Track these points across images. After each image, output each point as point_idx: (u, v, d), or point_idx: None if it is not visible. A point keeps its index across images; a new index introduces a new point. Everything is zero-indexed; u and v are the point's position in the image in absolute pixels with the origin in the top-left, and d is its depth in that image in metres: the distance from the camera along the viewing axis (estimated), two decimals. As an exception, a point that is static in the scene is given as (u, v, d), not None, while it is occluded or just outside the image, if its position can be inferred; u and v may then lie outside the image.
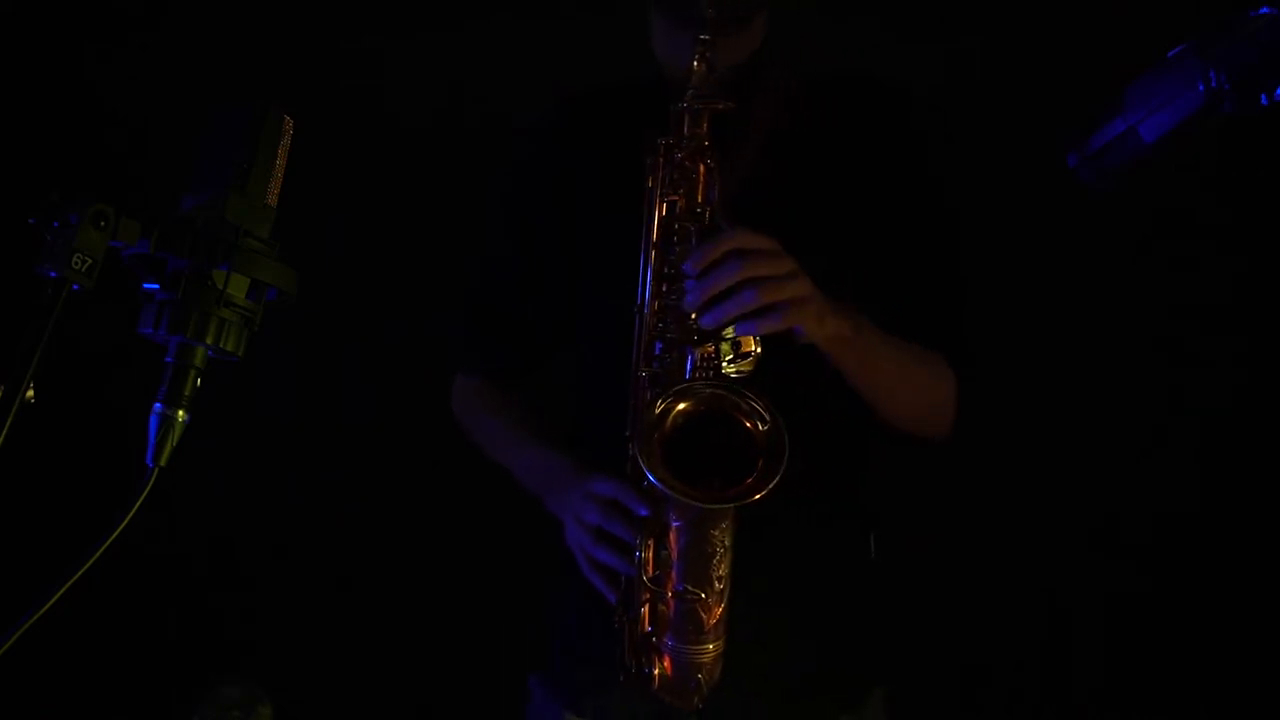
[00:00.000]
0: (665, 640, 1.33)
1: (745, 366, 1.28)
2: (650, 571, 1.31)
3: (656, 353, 1.36)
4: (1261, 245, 2.35)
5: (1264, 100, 0.92)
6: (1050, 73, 2.31)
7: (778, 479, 1.20)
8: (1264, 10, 0.92)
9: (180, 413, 0.95)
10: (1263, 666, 2.31)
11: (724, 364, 1.28)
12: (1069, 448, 2.41)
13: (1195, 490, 2.37)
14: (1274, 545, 2.33)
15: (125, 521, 0.92)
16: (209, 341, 0.96)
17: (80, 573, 0.90)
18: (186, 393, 0.96)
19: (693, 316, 1.30)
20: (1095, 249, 2.39)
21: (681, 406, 1.27)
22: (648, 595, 1.33)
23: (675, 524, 1.28)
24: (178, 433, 0.95)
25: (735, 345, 1.27)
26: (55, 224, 0.90)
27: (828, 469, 1.52)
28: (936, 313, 1.51)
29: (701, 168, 1.38)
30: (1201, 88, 0.93)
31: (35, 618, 0.89)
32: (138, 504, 0.93)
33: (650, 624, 1.34)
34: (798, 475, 1.25)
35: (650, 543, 1.31)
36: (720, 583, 1.29)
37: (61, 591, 0.90)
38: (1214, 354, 2.37)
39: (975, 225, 1.63)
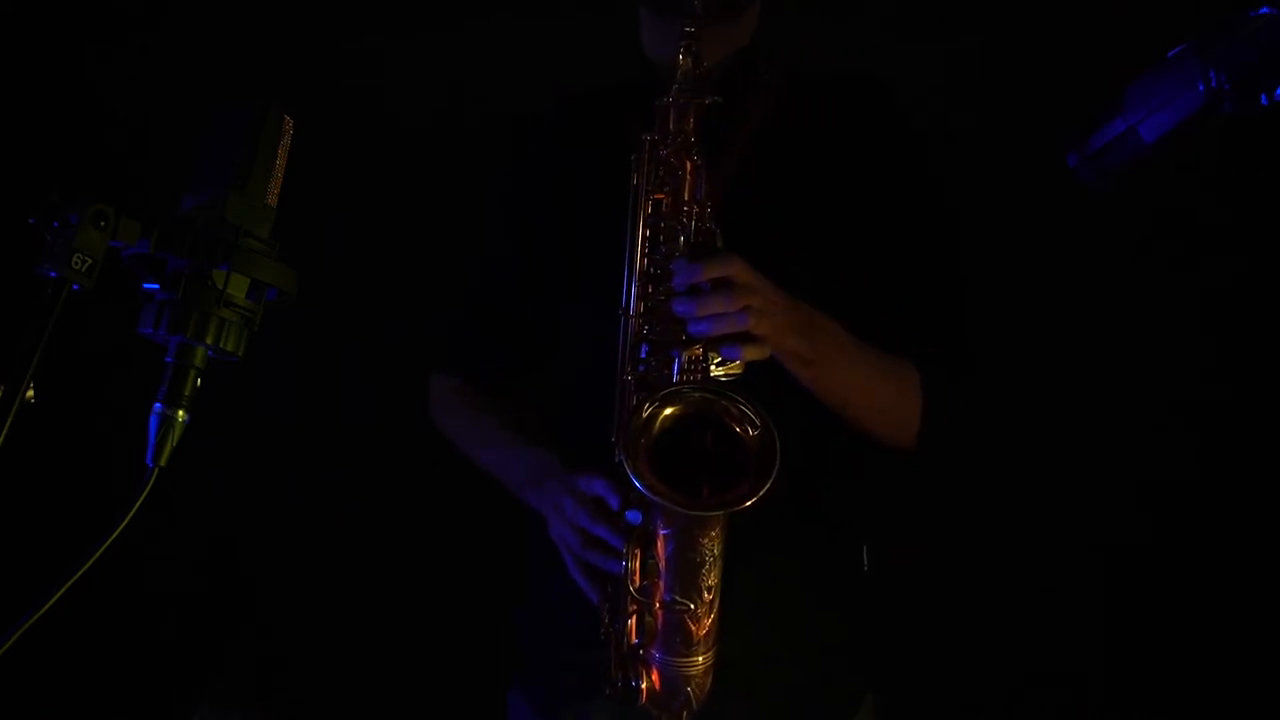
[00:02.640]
0: (653, 652, 1.29)
1: (735, 369, 1.25)
2: (637, 581, 1.27)
3: (643, 355, 1.33)
4: (1261, 245, 2.34)
5: (1264, 100, 0.92)
6: (1050, 73, 2.31)
7: (769, 485, 1.17)
8: (1264, 10, 0.92)
9: (180, 413, 0.95)
10: (1262, 672, 2.30)
11: (712, 366, 1.26)
12: (1067, 450, 2.40)
13: (1195, 492, 2.37)
14: (1274, 545, 2.33)
15: (125, 521, 0.92)
16: (209, 341, 0.96)
17: (80, 573, 0.90)
18: (186, 393, 0.96)
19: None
20: (1095, 249, 2.39)
21: (669, 411, 1.24)
22: (635, 606, 1.29)
23: (663, 532, 1.25)
24: (178, 433, 0.95)
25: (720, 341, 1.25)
26: (55, 224, 0.90)
27: (821, 479, 1.51)
28: (935, 315, 1.50)
29: (688, 164, 1.35)
30: (1201, 88, 0.93)
31: (35, 618, 0.89)
32: (138, 504, 0.93)
33: (637, 635, 1.30)
34: (790, 485, 1.24)
35: (637, 551, 1.27)
36: (709, 593, 1.25)
37: (61, 591, 0.90)
38: (1214, 354, 2.37)
39: (975, 225, 1.63)
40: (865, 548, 1.58)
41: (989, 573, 2.41)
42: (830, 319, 1.38)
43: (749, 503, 1.17)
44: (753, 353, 1.25)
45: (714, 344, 1.26)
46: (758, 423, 1.21)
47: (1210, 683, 2.34)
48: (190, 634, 2.55)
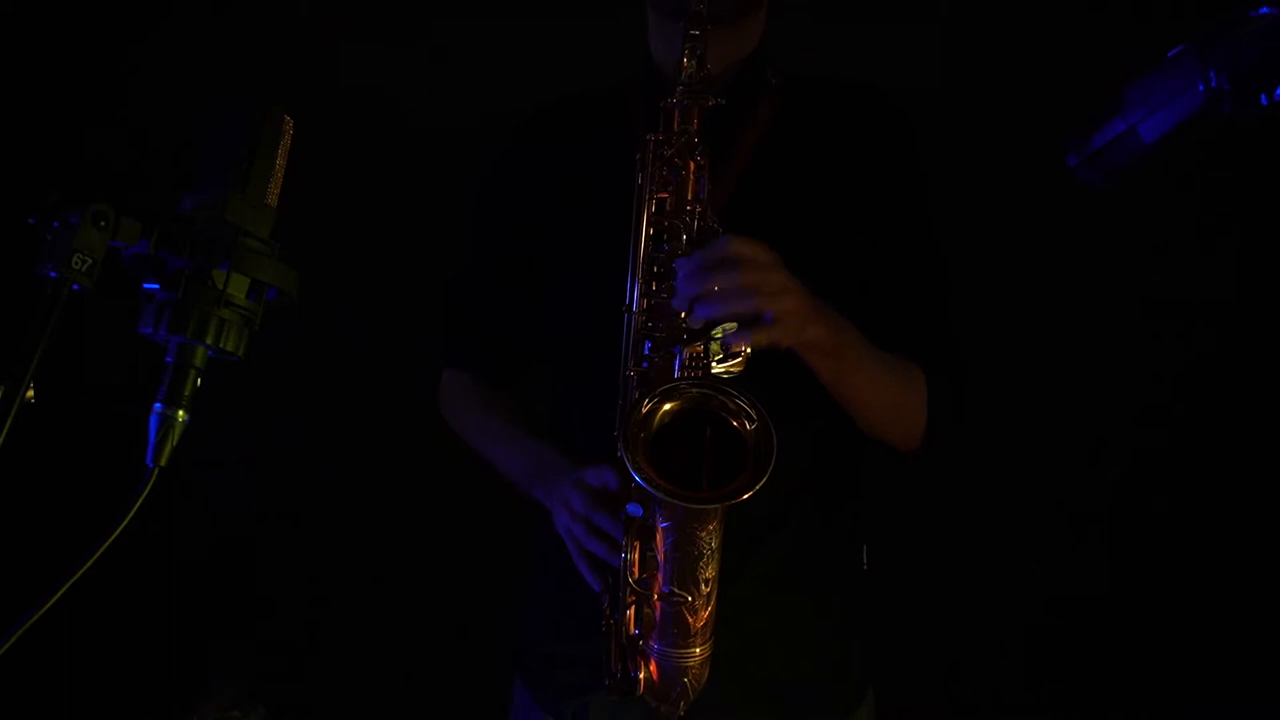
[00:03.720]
0: (651, 643, 1.30)
1: (735, 367, 1.26)
2: (636, 573, 1.28)
3: (645, 352, 1.34)
4: (1261, 245, 2.35)
5: (1264, 100, 0.92)
6: (1050, 73, 2.31)
7: (765, 479, 1.17)
8: (1264, 10, 0.92)
9: (180, 413, 0.95)
10: (1261, 671, 2.31)
11: (713, 364, 1.26)
12: (1069, 450, 2.41)
13: (1194, 493, 2.37)
14: (1274, 547, 2.33)
15: (125, 521, 0.92)
16: (209, 341, 0.96)
17: (80, 573, 0.90)
18: (186, 393, 0.96)
19: (682, 315, 1.27)
20: (1095, 249, 2.39)
21: (668, 406, 1.25)
22: (633, 597, 1.30)
23: (662, 525, 1.26)
24: (178, 433, 0.95)
25: (725, 345, 1.25)
26: (55, 224, 0.89)
27: (820, 476, 1.51)
28: (923, 318, 1.50)
29: (691, 165, 1.35)
30: (1201, 88, 0.93)
31: (35, 617, 0.89)
32: (137, 504, 0.93)
33: (636, 627, 1.31)
34: (791, 482, 1.23)
35: (637, 544, 1.28)
36: (707, 585, 1.26)
37: (61, 591, 0.90)
38: (1213, 354, 2.37)
39: (975, 226, 1.63)
40: (865, 546, 1.58)
41: (989, 572, 2.41)
42: (841, 314, 1.38)
43: (745, 495, 1.18)
44: (761, 337, 1.24)
45: (716, 325, 1.24)
46: (755, 417, 1.22)
47: (1210, 681, 2.34)
48: (190, 635, 2.55)
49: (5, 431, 0.87)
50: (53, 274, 0.89)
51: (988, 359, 1.57)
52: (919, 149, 1.56)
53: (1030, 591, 2.43)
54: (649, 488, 1.19)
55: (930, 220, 1.55)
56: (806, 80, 1.58)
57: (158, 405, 0.95)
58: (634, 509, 1.29)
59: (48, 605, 0.89)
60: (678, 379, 1.28)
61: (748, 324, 1.23)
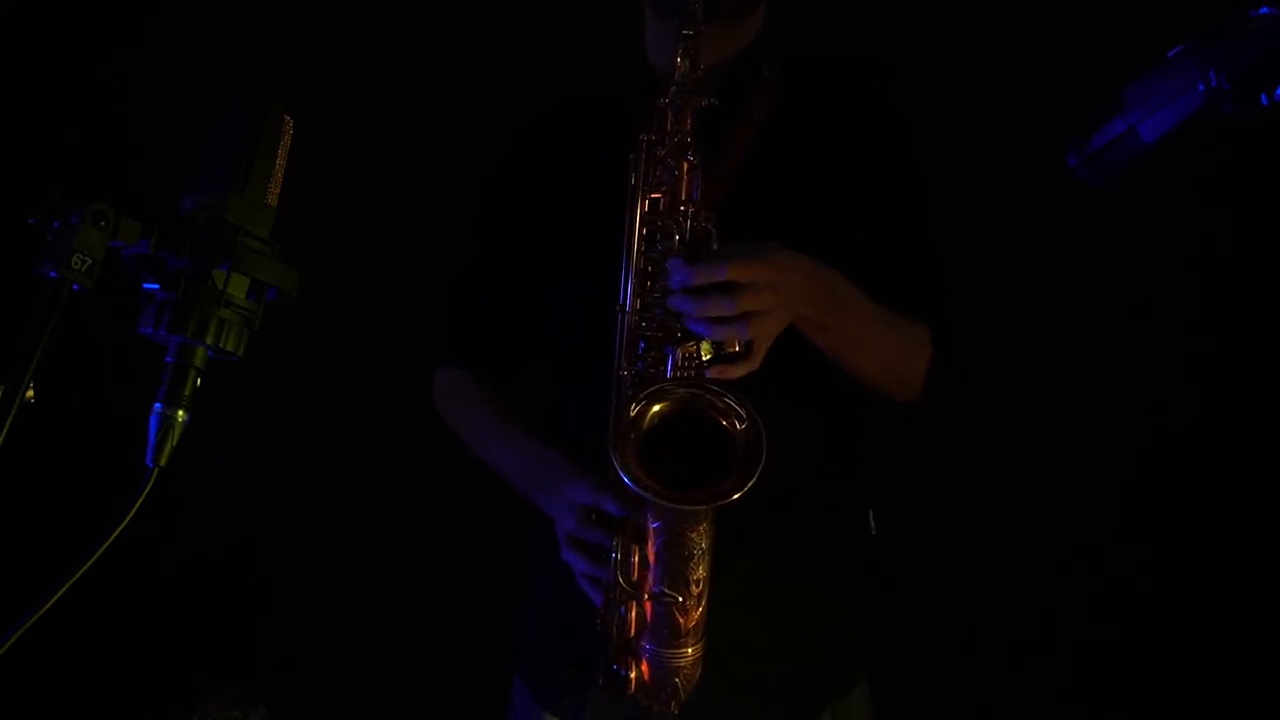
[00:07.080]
0: (643, 644, 1.31)
1: (729, 372, 1.26)
2: (628, 574, 1.29)
3: (639, 352, 1.35)
4: (1261, 245, 2.35)
5: (1264, 100, 0.92)
6: (1050, 73, 2.31)
7: (754, 479, 1.18)
8: (1264, 10, 0.92)
9: (180, 413, 0.95)
10: (1251, 666, 2.31)
11: (706, 363, 1.27)
12: (1064, 446, 2.41)
13: (1192, 489, 2.37)
14: (1273, 546, 2.33)
15: (125, 521, 0.92)
16: (209, 341, 0.96)
17: (80, 573, 0.90)
18: (186, 393, 0.96)
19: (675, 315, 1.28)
20: (1094, 248, 2.39)
21: (657, 407, 1.25)
22: (625, 598, 1.31)
23: (653, 525, 1.26)
24: (178, 433, 0.95)
25: (717, 344, 1.26)
26: (55, 224, 0.90)
27: (825, 471, 1.51)
28: (923, 317, 1.50)
29: (684, 165, 1.36)
30: (1201, 88, 0.93)
31: (35, 617, 0.89)
32: (137, 504, 0.93)
33: (628, 627, 1.32)
34: (800, 472, 1.22)
35: (628, 545, 1.29)
36: (698, 585, 1.27)
37: (62, 591, 0.90)
38: (1213, 354, 2.38)
39: (976, 224, 1.63)
40: (871, 512, 1.59)
41: (989, 569, 2.41)
42: (848, 281, 1.38)
43: (735, 496, 1.18)
44: (741, 370, 1.25)
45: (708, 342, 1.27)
46: (744, 416, 1.22)
47: (1208, 670, 2.34)
48: (189, 635, 2.55)
49: (5, 431, 0.87)
50: (53, 274, 0.89)
51: (992, 354, 1.57)
52: (919, 148, 1.56)
53: (1029, 590, 2.43)
54: (638, 489, 1.20)
55: (930, 218, 1.55)
56: (805, 68, 1.58)
57: (158, 405, 0.95)
58: (617, 513, 1.29)
59: (48, 605, 0.89)
60: (666, 380, 1.29)
61: (730, 359, 1.25)
